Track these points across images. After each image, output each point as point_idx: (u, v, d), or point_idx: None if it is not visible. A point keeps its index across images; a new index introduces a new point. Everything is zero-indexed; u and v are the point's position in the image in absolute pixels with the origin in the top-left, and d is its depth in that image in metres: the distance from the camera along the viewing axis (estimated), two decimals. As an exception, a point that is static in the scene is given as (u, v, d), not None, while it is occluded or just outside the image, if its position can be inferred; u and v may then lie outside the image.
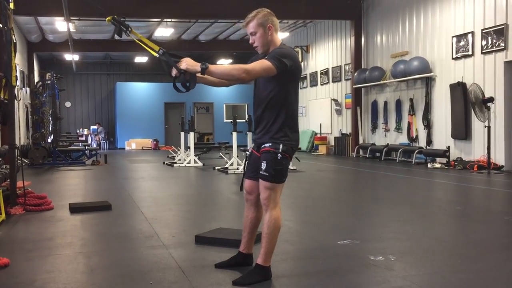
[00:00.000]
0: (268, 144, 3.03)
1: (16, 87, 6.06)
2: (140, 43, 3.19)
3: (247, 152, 3.27)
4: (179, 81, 2.97)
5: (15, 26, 15.28)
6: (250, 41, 3.15)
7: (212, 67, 2.87)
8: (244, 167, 3.33)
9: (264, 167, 3.01)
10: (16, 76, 5.97)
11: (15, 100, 5.82)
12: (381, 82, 13.45)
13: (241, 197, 6.58)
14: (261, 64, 2.95)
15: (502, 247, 3.91)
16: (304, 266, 3.42)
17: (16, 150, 5.92)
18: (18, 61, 14.74)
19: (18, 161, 6.58)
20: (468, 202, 6.61)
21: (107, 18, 3.16)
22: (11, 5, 5.63)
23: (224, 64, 24.03)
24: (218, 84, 3.28)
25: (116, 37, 3.15)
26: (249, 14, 3.12)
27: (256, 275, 3.01)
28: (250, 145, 10.16)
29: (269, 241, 2.99)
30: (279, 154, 3.00)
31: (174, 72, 2.97)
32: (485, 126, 9.62)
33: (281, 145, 3.01)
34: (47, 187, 8.02)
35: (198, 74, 2.95)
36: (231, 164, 10.58)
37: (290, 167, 10.47)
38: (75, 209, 5.65)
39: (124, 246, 4.03)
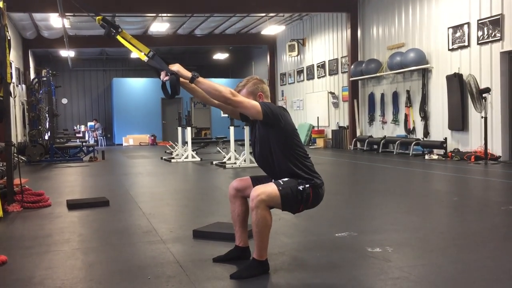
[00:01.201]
0: (299, 180, 2.98)
1: (12, 84, 6.04)
2: (129, 46, 3.17)
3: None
4: (168, 83, 2.97)
5: (9, 22, 15.19)
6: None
7: (201, 79, 2.92)
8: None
9: (284, 180, 2.95)
10: (11, 73, 5.95)
11: (11, 97, 5.81)
12: (378, 74, 13.44)
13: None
14: (251, 102, 2.94)
15: (499, 237, 3.93)
16: (301, 259, 3.43)
17: (13, 147, 5.90)
18: (13, 58, 14.67)
19: (15, 158, 6.57)
20: (465, 193, 6.64)
21: (97, 18, 3.14)
22: (1, 4, 5.58)
23: (220, 58, 24.01)
24: (202, 99, 3.22)
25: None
26: (239, 83, 3.15)
27: (254, 268, 3.01)
28: (246, 140, 10.14)
29: (260, 238, 2.93)
30: (301, 186, 2.94)
31: (163, 75, 2.98)
32: (482, 117, 9.63)
33: (307, 185, 2.96)
34: (45, 184, 8.01)
35: (187, 83, 2.98)
36: (229, 159, 10.58)
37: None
38: (72, 205, 5.64)
39: (122, 242, 4.03)
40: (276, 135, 3.00)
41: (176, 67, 2.92)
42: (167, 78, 2.97)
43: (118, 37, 3.17)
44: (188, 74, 2.91)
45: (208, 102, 3.23)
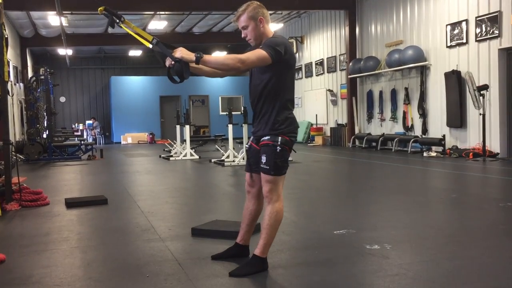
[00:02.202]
0: (267, 137, 3.02)
1: (10, 83, 6.02)
2: (134, 34, 3.16)
3: (246, 146, 3.25)
4: (173, 71, 2.95)
5: (7, 21, 15.17)
6: (243, 35, 3.13)
7: (206, 57, 2.87)
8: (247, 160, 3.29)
9: (264, 161, 3.00)
10: (9, 72, 5.93)
11: (9, 96, 5.79)
12: (376, 71, 13.44)
13: (237, 189, 6.61)
14: (256, 53, 2.93)
15: (497, 234, 3.94)
16: (300, 257, 3.44)
17: (11, 146, 5.89)
18: (11, 57, 14.63)
19: (13, 157, 6.56)
20: (464, 189, 6.64)
21: (99, 9, 3.12)
22: None
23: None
24: (213, 74, 3.24)
25: (110, 30, 3.13)
26: (239, 8, 3.10)
27: (253, 266, 3.01)
28: (245, 138, 10.15)
29: (269, 232, 2.99)
30: (278, 147, 2.99)
31: (168, 62, 2.95)
32: (480, 114, 9.64)
33: (279, 138, 2.99)
34: (43, 182, 8.00)
35: (193, 64, 2.93)
36: (227, 157, 10.58)
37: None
38: (71, 204, 5.64)
39: (121, 240, 4.03)
40: (276, 70, 2.99)
41: (179, 52, 2.87)
42: (171, 64, 2.94)
43: (122, 26, 3.15)
44: (192, 57, 2.85)
45: (217, 74, 3.24)
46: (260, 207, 3.20)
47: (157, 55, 3.08)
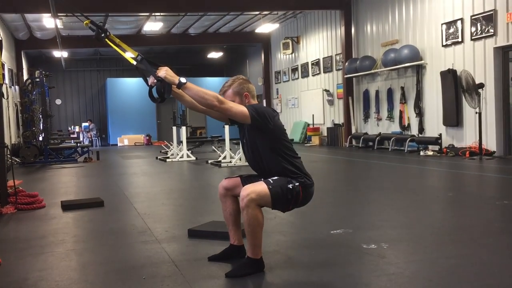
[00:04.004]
0: (288, 179, 2.99)
1: (4, 85, 6.00)
2: (118, 50, 3.14)
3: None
4: (154, 89, 2.91)
5: (1, 23, 15.13)
6: None
7: (189, 84, 2.84)
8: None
9: (274, 178, 2.95)
10: (3, 74, 5.91)
11: (4, 98, 5.77)
12: (372, 71, 13.46)
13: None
14: (238, 106, 2.92)
15: (494, 232, 3.94)
16: (297, 257, 3.43)
17: (6, 149, 5.86)
18: (6, 59, 14.58)
19: (9, 160, 6.53)
20: (460, 188, 6.65)
21: (84, 22, 3.10)
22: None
23: (214, 57, 23.95)
24: (191, 106, 3.19)
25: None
26: (225, 83, 3.11)
27: (249, 267, 2.99)
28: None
29: (253, 236, 2.92)
30: (291, 184, 2.94)
31: (150, 80, 2.92)
32: (476, 113, 9.65)
33: (297, 183, 2.97)
34: (39, 185, 7.97)
35: (174, 88, 2.90)
36: (224, 158, 10.56)
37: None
38: (67, 206, 5.62)
39: (117, 242, 4.01)
40: (265, 136, 2.99)
41: (163, 72, 2.83)
42: (154, 83, 2.92)
43: (106, 40, 3.13)
44: (175, 80, 2.82)
45: (195, 108, 3.18)
46: (237, 204, 3.12)
47: (140, 72, 3.04)
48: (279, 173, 2.99)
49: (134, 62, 3.00)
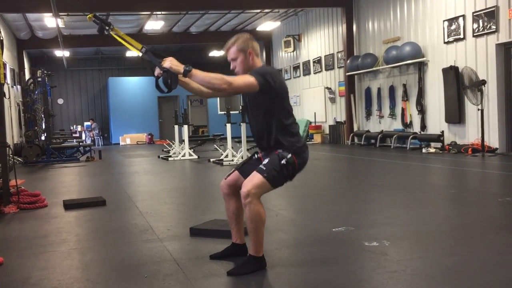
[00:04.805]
0: (279, 150, 3.01)
1: (6, 85, 6.01)
2: (123, 41, 3.14)
3: (255, 156, 3.23)
4: (161, 80, 2.92)
5: (2, 23, 15.15)
6: (231, 67, 3.10)
7: (195, 71, 2.81)
8: (242, 163, 3.29)
9: (265, 163, 2.98)
10: (5, 74, 5.91)
11: (5, 98, 5.77)
12: (374, 68, 13.43)
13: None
14: (243, 78, 2.90)
15: (496, 229, 3.93)
16: (298, 255, 3.43)
17: (8, 149, 5.87)
18: (8, 59, 14.61)
19: (11, 159, 6.55)
20: (463, 185, 6.64)
21: (88, 16, 3.11)
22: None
23: (215, 55, 23.92)
24: (198, 93, 3.19)
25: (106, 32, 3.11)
26: (229, 40, 3.09)
27: (251, 264, 3.00)
28: (244, 137, 10.09)
29: (255, 234, 2.94)
30: (284, 160, 2.96)
31: (157, 71, 2.92)
32: (478, 109, 9.63)
33: (289, 155, 2.98)
34: (41, 184, 7.98)
35: (180, 77, 2.89)
36: (226, 156, 10.56)
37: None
38: (69, 205, 5.62)
39: (119, 241, 4.02)
40: (269, 99, 2.99)
41: (168, 62, 2.84)
42: (160, 74, 2.93)
43: (111, 33, 3.14)
44: (180, 69, 2.82)
45: (202, 93, 3.19)
46: (240, 203, 3.12)
47: (146, 63, 3.06)
48: (276, 142, 3.01)
49: (140, 54, 3.01)
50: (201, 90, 3.14)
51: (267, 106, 3.01)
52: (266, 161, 2.99)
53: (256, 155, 3.23)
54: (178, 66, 2.83)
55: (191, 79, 2.88)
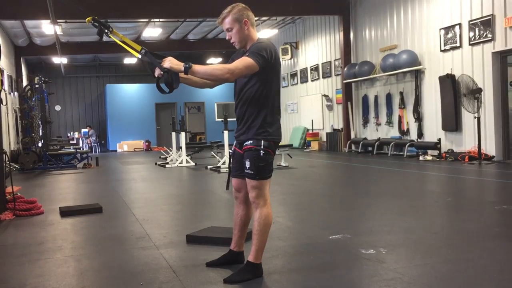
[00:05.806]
0: (250, 142, 3.00)
1: (4, 92, 6.00)
2: (122, 44, 3.15)
3: (230, 151, 3.26)
4: (162, 81, 2.93)
5: (0, 30, 15.16)
6: (227, 37, 3.12)
7: (195, 67, 2.84)
8: (229, 166, 3.30)
9: (248, 165, 2.98)
10: (2, 80, 5.91)
11: (2, 105, 5.77)
12: (371, 76, 13.48)
13: (233, 196, 6.57)
14: (243, 62, 2.91)
15: (492, 237, 3.93)
16: (295, 262, 3.42)
17: (5, 155, 5.85)
18: (5, 66, 14.60)
19: (7, 166, 6.52)
20: (460, 193, 6.64)
21: (87, 19, 3.11)
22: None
23: (213, 63, 23.99)
24: (202, 85, 3.22)
25: (104, 38, 3.08)
26: (224, 10, 3.08)
27: (247, 272, 2.99)
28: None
29: (260, 238, 2.97)
30: (261, 151, 2.97)
31: (157, 72, 2.93)
32: (475, 117, 9.66)
33: (262, 141, 2.98)
34: (38, 191, 7.96)
35: (182, 74, 2.90)
36: (223, 163, 10.56)
37: (282, 164, 10.47)
38: (65, 212, 5.60)
39: (115, 248, 4.00)
40: (259, 75, 2.96)
41: (167, 62, 2.85)
42: (160, 74, 2.93)
43: (110, 36, 3.14)
44: (181, 67, 2.82)
45: (207, 85, 3.23)
46: (249, 211, 3.18)
47: (146, 65, 3.07)
48: (255, 126, 2.98)
49: (139, 56, 3.01)
50: (204, 82, 3.18)
51: (257, 87, 2.99)
52: (247, 163, 2.98)
53: (234, 151, 3.20)
54: (178, 65, 2.84)
55: (193, 75, 2.90)
